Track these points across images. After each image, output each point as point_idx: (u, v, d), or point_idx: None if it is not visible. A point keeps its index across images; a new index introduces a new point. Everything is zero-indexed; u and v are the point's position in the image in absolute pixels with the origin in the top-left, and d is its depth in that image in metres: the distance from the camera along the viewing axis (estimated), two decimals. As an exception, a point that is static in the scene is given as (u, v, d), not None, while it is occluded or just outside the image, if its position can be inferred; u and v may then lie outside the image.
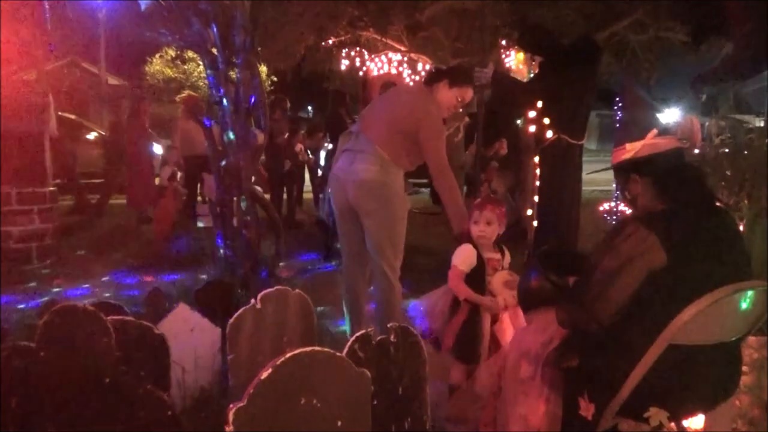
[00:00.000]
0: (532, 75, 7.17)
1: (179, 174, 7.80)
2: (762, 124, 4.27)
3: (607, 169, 2.31)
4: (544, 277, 2.36)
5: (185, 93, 9.26)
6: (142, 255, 6.01)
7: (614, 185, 7.30)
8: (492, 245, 2.99)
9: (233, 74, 4.06)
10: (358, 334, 2.10)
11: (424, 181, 10.73)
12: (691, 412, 1.99)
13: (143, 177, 8.12)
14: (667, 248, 1.88)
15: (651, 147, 2.07)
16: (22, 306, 4.37)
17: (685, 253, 1.89)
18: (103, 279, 5.24)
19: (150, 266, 5.53)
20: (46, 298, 4.36)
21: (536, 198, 4.66)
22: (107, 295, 4.50)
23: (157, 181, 8.32)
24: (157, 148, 13.34)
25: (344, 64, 9.53)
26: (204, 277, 4.55)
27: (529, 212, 4.87)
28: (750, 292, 1.91)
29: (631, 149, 2.10)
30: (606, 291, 1.94)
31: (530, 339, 2.26)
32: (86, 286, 4.99)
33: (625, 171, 2.14)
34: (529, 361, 2.22)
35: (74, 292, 4.80)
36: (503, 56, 8.44)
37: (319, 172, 8.47)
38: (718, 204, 2.11)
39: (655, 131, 2.10)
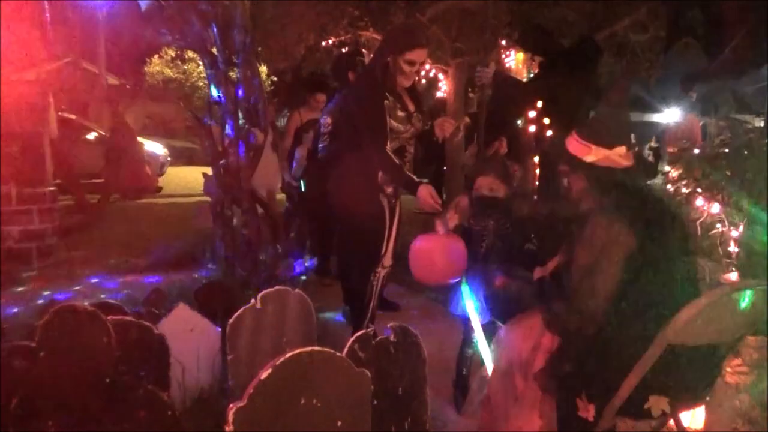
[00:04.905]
0: (531, 75, 7.17)
1: None
2: (762, 124, 4.25)
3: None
4: (506, 276, 2.37)
5: None
6: (141, 255, 6.00)
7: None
8: None
9: (233, 74, 4.06)
10: (357, 333, 2.10)
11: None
12: (689, 405, 1.99)
13: None
14: (635, 232, 1.91)
15: (610, 162, 2.11)
16: (22, 306, 4.36)
17: (647, 234, 1.93)
18: (103, 279, 5.24)
19: (149, 266, 5.52)
20: (46, 298, 4.36)
21: (536, 198, 4.64)
22: (106, 295, 4.49)
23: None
24: (158, 147, 13.40)
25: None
26: (203, 275, 4.55)
27: (529, 212, 4.86)
28: (749, 292, 1.91)
29: (595, 154, 2.12)
30: (592, 286, 1.93)
31: (517, 347, 2.23)
32: (85, 286, 4.99)
33: (573, 166, 2.20)
34: (520, 368, 2.19)
35: (73, 292, 4.79)
36: (503, 56, 8.43)
37: None
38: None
39: (624, 149, 2.12)
